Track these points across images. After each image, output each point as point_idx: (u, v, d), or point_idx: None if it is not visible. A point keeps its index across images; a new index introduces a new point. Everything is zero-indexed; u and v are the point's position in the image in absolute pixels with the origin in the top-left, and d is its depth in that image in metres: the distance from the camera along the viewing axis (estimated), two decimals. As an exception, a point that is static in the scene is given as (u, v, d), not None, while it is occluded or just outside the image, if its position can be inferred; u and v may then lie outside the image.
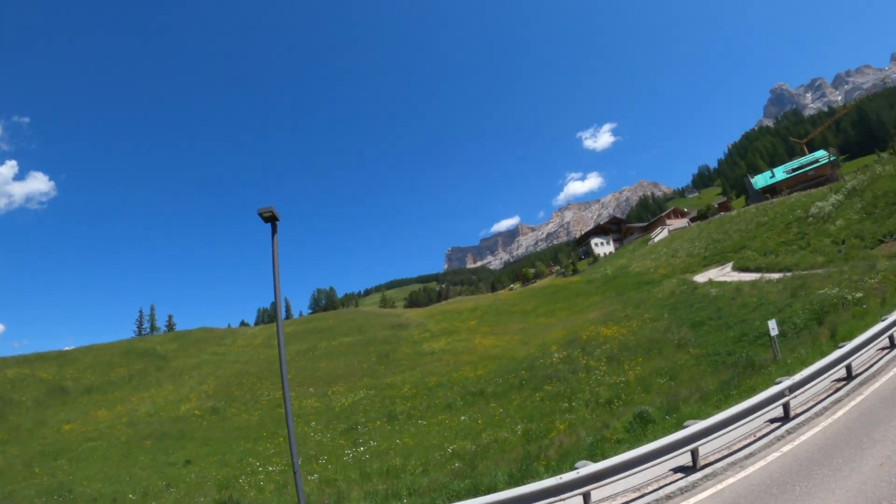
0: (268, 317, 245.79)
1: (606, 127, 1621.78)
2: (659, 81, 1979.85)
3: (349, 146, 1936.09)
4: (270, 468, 28.52)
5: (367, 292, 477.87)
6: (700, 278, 58.15)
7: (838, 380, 17.47)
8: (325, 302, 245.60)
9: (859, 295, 30.20)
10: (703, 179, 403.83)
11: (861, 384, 16.64)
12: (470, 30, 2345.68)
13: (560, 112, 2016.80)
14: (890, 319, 19.27)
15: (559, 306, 73.67)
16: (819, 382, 16.63)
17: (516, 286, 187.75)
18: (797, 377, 15.81)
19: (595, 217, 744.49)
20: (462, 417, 30.74)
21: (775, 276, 45.87)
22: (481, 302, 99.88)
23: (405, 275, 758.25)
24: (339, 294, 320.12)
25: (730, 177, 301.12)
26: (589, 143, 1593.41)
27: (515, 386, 35.26)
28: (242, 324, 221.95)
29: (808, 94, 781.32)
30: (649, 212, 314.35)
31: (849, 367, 17.34)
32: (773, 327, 23.65)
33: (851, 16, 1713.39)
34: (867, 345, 18.15)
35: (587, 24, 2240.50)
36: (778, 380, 15.96)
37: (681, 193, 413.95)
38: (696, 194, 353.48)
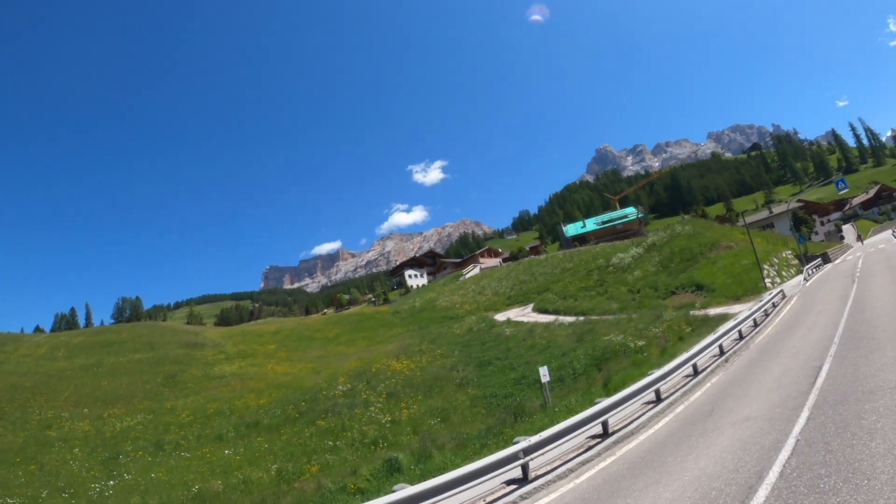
0: (66, 323, 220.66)
1: (438, 163, 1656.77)
2: (495, 128, 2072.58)
3: (174, 150, 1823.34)
4: (10, 501, 24.12)
5: (178, 305, 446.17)
6: (500, 317, 59.33)
7: (594, 436, 16.23)
8: (129, 312, 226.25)
9: (642, 343, 30.91)
10: (522, 223, 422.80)
11: (616, 443, 15.41)
12: (326, 49, 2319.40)
13: (394, 143, 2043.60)
14: (656, 374, 18.66)
15: (361, 335, 73.24)
16: (572, 438, 15.19)
17: (330, 311, 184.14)
18: (538, 437, 14.10)
19: (416, 249, 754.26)
20: (227, 451, 28.84)
21: (569, 319, 47.34)
22: (286, 325, 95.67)
23: (219, 290, 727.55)
24: (147, 305, 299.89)
25: (547, 223, 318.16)
26: (419, 177, 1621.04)
27: (291, 418, 33.77)
28: (37, 330, 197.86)
29: (630, 158, 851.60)
30: (468, 249, 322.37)
31: (605, 424, 16.17)
32: (544, 374, 22.93)
33: (677, 97, 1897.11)
34: (630, 399, 17.26)
35: (435, 66, 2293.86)
36: (515, 440, 14.26)
37: (500, 234, 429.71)
38: (515, 236, 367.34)
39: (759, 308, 30.02)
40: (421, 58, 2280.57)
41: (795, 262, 60.30)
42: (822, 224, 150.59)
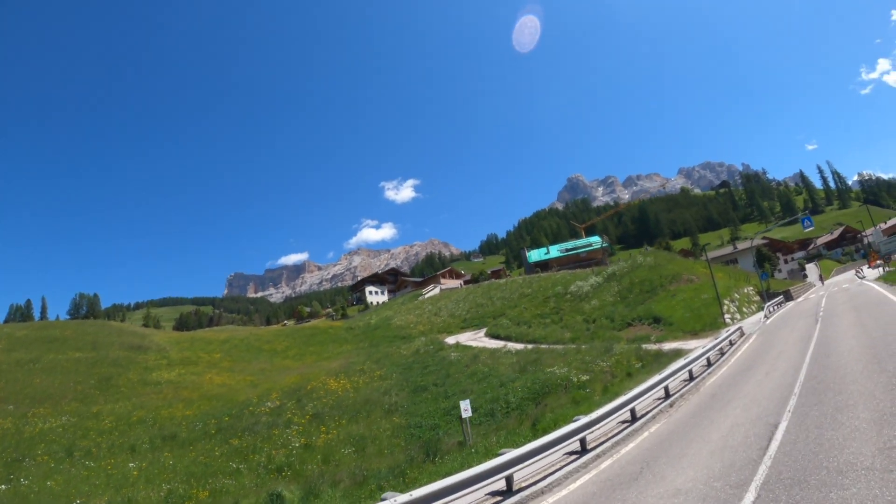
0: (20, 315, 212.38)
1: (410, 181, 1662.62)
2: (470, 151, 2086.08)
3: (150, 150, 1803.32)
4: None
5: (139, 306, 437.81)
6: (451, 340, 57.75)
7: (495, 493, 13.30)
8: (86, 309, 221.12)
9: (586, 378, 28.48)
10: (490, 247, 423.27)
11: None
12: (304, 59, 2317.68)
13: (368, 158, 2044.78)
14: (582, 420, 15.77)
15: (310, 350, 72.30)
16: (467, 495, 12.20)
17: (290, 323, 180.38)
18: (412, 495, 11.17)
19: (383, 266, 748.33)
20: (130, 464, 26.94)
21: (518, 346, 45.82)
22: (237, 334, 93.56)
23: (182, 293, 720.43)
24: (108, 303, 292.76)
25: (514, 248, 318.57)
26: (390, 194, 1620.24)
27: (209, 434, 32.13)
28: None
29: (601, 188, 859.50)
30: (433, 269, 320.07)
31: (510, 479, 13.29)
32: (465, 408, 20.89)
33: (651, 132, 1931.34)
34: (550, 448, 14.43)
35: (415, 86, 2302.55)
36: (384, 496, 11.27)
37: (467, 256, 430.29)
38: (482, 260, 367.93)
39: (715, 346, 27.53)
40: (401, 77, 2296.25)
41: (757, 298, 58.86)
42: (786, 262, 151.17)
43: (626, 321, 48.51)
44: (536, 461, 14.25)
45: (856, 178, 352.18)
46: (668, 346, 36.16)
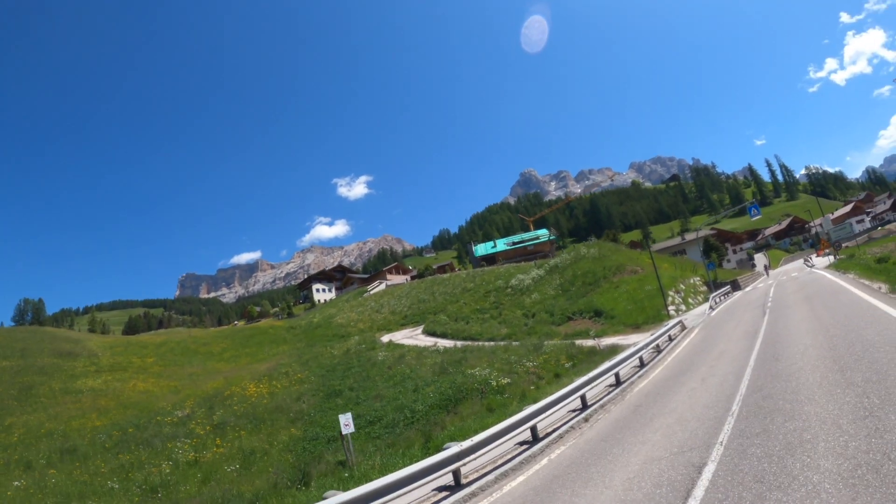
0: None
1: (363, 178, 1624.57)
2: (422, 146, 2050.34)
3: (92, 146, 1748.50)
4: None
5: (88, 310, 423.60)
6: (387, 338, 55.86)
7: None
8: (31, 315, 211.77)
9: (507, 381, 25.72)
10: (442, 242, 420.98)
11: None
12: (253, 58, 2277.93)
13: (320, 155, 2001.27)
14: (452, 449, 12.03)
15: (246, 351, 70.03)
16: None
17: (240, 323, 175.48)
18: None
19: (336, 263, 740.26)
20: (16, 483, 24.43)
21: (448, 343, 44.01)
22: (174, 337, 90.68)
23: (133, 296, 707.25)
24: (55, 308, 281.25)
25: (466, 242, 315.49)
26: (343, 191, 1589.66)
27: (109, 447, 29.61)
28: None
29: (553, 183, 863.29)
30: (385, 265, 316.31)
31: None
32: (345, 423, 18.09)
33: (603, 128, 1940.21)
34: (413, 482, 10.83)
35: (365, 80, 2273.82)
36: None
37: (419, 252, 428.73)
38: (434, 255, 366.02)
39: (650, 343, 24.13)
40: (352, 74, 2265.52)
41: (704, 288, 56.79)
42: (735, 252, 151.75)
43: (567, 315, 46.49)
44: (407, 492, 10.79)
45: (803, 171, 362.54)
46: (606, 341, 33.76)
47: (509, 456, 13.81)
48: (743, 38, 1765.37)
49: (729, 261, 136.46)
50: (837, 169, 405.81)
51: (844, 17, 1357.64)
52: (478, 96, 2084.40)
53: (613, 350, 28.93)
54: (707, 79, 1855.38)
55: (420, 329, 59.42)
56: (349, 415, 18.34)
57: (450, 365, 31.94)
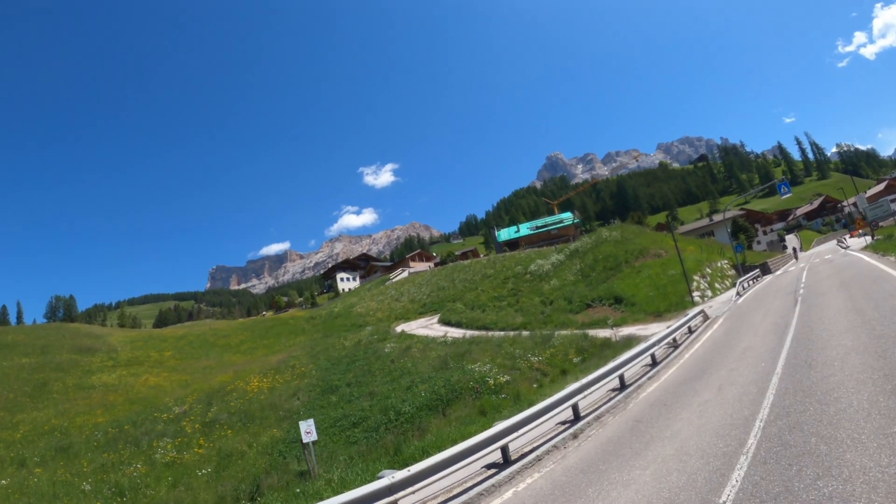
0: None
1: (389, 166, 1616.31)
2: (449, 132, 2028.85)
3: (125, 147, 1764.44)
4: None
5: (120, 305, 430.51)
6: (401, 327, 54.43)
7: None
8: (63, 312, 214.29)
9: (506, 378, 23.42)
10: (469, 228, 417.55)
11: None
12: (276, 51, 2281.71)
13: (346, 145, 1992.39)
14: (398, 477, 9.63)
15: (264, 343, 69.10)
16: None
17: (269, 313, 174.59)
18: None
19: (365, 251, 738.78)
20: (3, 481, 24.18)
21: (459, 334, 41.83)
22: (195, 330, 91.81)
23: (165, 289, 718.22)
24: (89, 304, 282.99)
25: (493, 227, 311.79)
26: (370, 179, 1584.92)
27: (103, 445, 29.29)
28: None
29: (580, 166, 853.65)
30: (411, 252, 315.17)
31: None
32: (306, 430, 16.31)
33: (629, 109, 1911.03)
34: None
35: (388, 67, 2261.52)
36: None
37: (447, 238, 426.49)
38: (461, 241, 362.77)
39: (666, 337, 21.33)
40: (375, 61, 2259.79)
41: (732, 272, 53.83)
42: (765, 234, 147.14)
43: (586, 302, 43.77)
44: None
45: (834, 149, 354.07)
46: (624, 331, 31.15)
47: (469, 484, 11.38)
48: (769, 14, 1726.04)
49: (759, 242, 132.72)
50: (870, 146, 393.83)
51: None
52: (505, 82, 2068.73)
53: (629, 343, 26.20)
54: (734, 57, 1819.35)
55: (436, 318, 57.43)
56: (311, 421, 16.80)
57: (452, 359, 30.08)
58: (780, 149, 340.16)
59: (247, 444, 24.15)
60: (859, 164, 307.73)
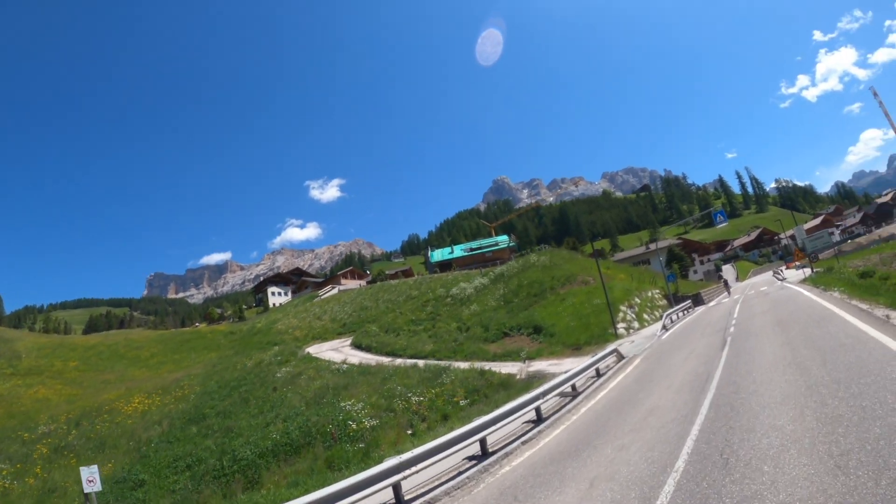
0: None
1: (336, 181, 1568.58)
2: (396, 150, 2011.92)
3: (58, 147, 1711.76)
4: None
5: (53, 308, 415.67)
6: (313, 349, 52.21)
7: None
8: None
9: (373, 423, 19.91)
10: (412, 247, 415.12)
11: None
12: (226, 54, 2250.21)
13: (293, 156, 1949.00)
14: None
15: (174, 357, 67.11)
16: None
17: (202, 325, 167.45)
18: None
19: (307, 266, 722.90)
20: None
21: (366, 358, 40.50)
22: (109, 339, 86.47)
23: (101, 294, 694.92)
24: (16, 305, 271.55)
25: (435, 248, 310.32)
26: (315, 193, 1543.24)
27: None
28: None
29: (526, 191, 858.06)
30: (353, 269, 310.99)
31: None
32: (87, 479, 14.20)
33: (577, 138, 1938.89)
34: None
35: (338, 83, 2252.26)
36: None
37: (388, 257, 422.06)
38: (402, 260, 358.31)
39: (563, 383, 17.10)
40: (323, 74, 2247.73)
41: (663, 302, 51.04)
42: (702, 263, 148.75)
43: (503, 330, 40.59)
44: None
45: (773, 184, 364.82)
46: (536, 365, 28.88)
47: None
48: (716, 54, 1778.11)
49: (696, 272, 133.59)
50: (807, 183, 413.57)
51: (817, 35, 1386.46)
52: (456, 103, 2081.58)
53: (528, 385, 22.18)
54: (681, 92, 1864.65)
55: (349, 340, 54.04)
56: (94, 468, 14.95)
57: (333, 391, 27.87)
58: (721, 182, 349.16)
59: (75, 480, 20.51)
60: (797, 199, 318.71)
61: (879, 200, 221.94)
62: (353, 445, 17.43)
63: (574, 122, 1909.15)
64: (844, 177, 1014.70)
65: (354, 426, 18.79)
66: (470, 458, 12.89)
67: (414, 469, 10.82)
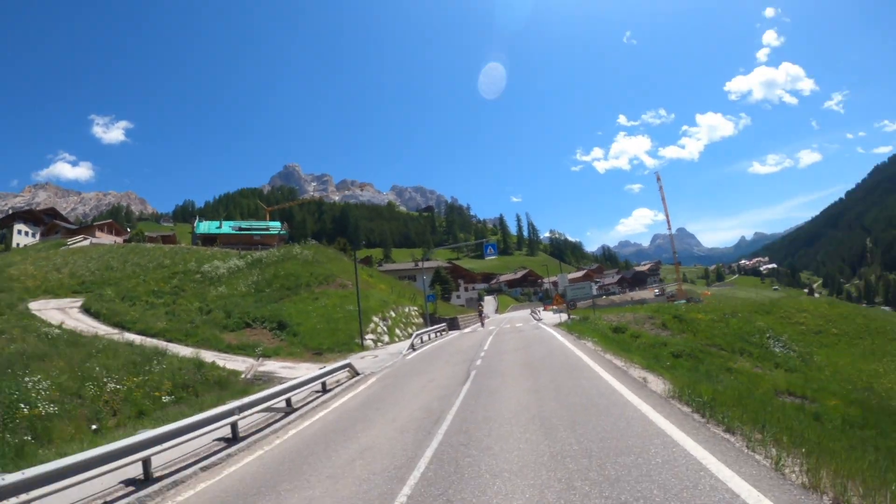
0: None
1: (123, 123, 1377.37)
2: (192, 107, 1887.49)
3: None
4: None
5: None
6: (38, 304, 44.24)
7: None
8: None
9: (53, 409, 15.51)
10: (185, 214, 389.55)
11: None
12: None
13: (81, 79, 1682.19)
14: None
15: None
16: None
17: None
18: None
19: (69, 210, 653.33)
20: None
21: (92, 326, 35.25)
22: None
23: None
24: None
25: (209, 219, 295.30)
26: (98, 131, 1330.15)
27: None
28: None
29: (314, 184, 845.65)
30: (118, 223, 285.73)
31: None
32: None
33: (371, 145, 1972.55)
34: None
35: (148, 17, 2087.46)
36: None
37: (157, 219, 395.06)
38: (171, 224, 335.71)
39: (276, 396, 14.44)
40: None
41: (419, 320, 50.49)
42: (467, 290, 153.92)
43: (246, 320, 38.07)
44: None
45: (547, 234, 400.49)
46: (269, 365, 27.41)
47: None
48: (530, 115, 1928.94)
49: (459, 297, 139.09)
50: (577, 239, 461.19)
51: (622, 119, 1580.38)
52: (261, 74, 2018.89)
53: (247, 388, 19.40)
54: (483, 136, 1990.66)
55: (80, 301, 47.28)
56: None
57: (29, 359, 20.18)
58: (501, 221, 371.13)
59: None
60: (566, 251, 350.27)
61: (637, 268, 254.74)
62: (14, 437, 13.00)
63: (379, 128, 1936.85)
64: (611, 242, 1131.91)
65: (26, 411, 14.39)
66: (127, 484, 9.73)
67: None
